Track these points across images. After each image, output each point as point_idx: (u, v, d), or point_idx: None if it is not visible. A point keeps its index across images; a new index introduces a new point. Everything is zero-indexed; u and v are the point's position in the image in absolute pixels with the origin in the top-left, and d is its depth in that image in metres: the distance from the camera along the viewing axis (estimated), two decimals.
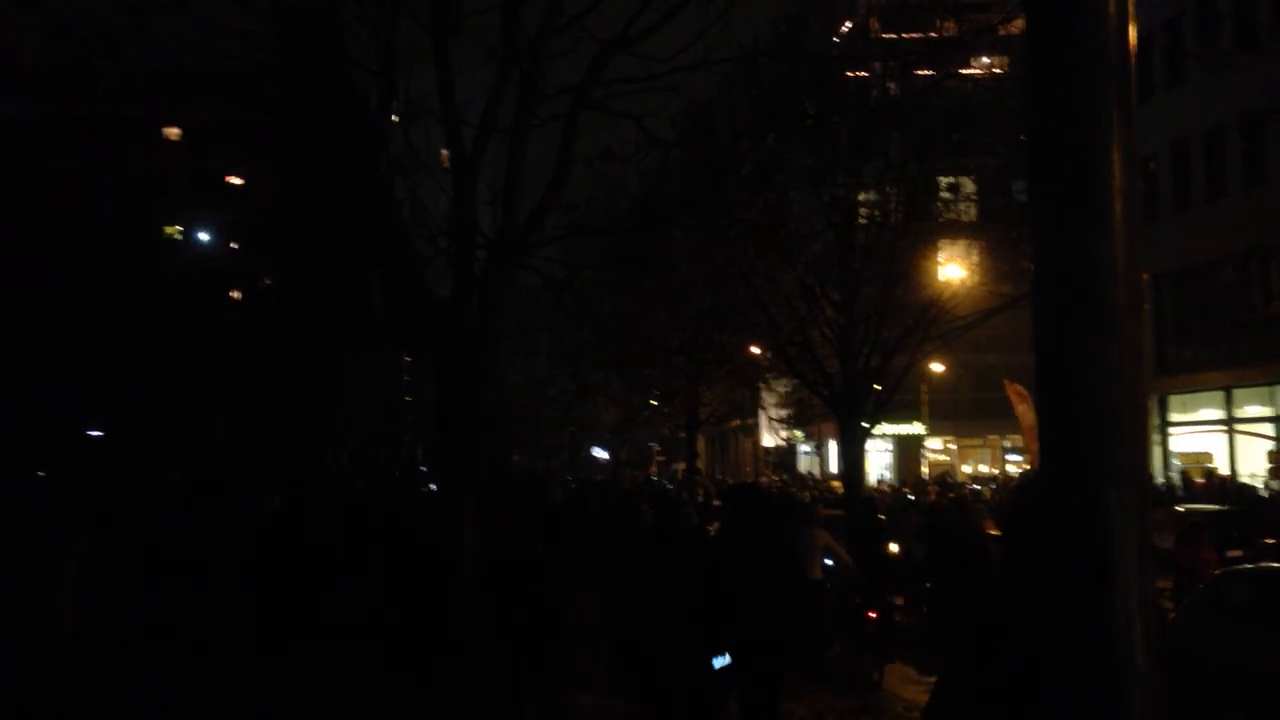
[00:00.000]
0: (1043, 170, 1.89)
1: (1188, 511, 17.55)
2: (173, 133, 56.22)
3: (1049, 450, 1.90)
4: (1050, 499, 1.88)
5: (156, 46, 10.02)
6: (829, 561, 12.99)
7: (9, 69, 48.25)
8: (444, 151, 10.86)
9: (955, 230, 21.30)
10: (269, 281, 52.78)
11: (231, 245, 55.42)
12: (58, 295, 49.06)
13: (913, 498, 26.79)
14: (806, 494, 27.48)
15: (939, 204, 20.51)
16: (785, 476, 42.12)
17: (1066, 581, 1.82)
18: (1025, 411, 28.80)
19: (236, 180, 53.38)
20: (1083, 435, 1.82)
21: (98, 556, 10.97)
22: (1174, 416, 30.67)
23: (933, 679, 11.31)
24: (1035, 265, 1.90)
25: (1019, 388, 29.05)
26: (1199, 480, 26.24)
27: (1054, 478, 1.87)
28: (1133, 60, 1.88)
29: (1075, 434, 1.83)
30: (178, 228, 56.84)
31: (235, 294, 55.38)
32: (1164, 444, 30.23)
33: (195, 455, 31.22)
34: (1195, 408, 30.27)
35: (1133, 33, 1.87)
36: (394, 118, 11.00)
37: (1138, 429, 1.84)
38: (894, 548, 16.19)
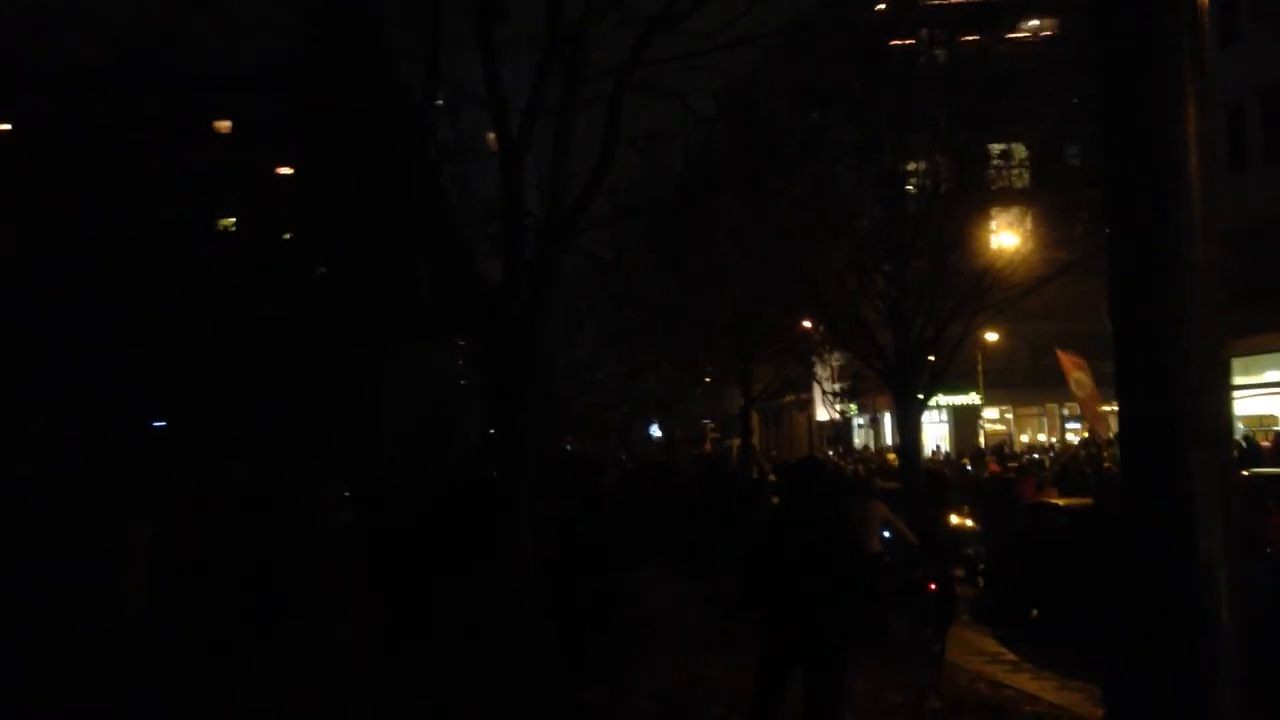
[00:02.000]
0: (1115, 123, 1.82)
1: (1252, 475, 17.24)
2: (223, 126, 56.88)
3: (1127, 412, 1.84)
4: (1130, 461, 1.83)
5: (197, 44, 10.13)
6: (887, 534, 12.93)
7: (50, 70, 49.20)
8: (490, 135, 10.87)
9: (1008, 197, 20.99)
10: (324, 269, 53.15)
11: (280, 237, 55.88)
12: (115, 291, 49.85)
13: (970, 468, 26.60)
14: (859, 467, 27.32)
15: (990, 171, 20.21)
16: (837, 450, 41.92)
17: (1149, 542, 1.77)
18: (1081, 379, 28.38)
19: (285, 170, 53.90)
20: (1161, 396, 1.77)
21: (164, 548, 11.15)
22: (1237, 379, 30.10)
23: (996, 649, 11.22)
24: (1108, 223, 1.84)
25: (1073, 356, 28.63)
26: (1265, 443, 25.77)
27: (1133, 440, 1.82)
28: (1206, 9, 1.80)
29: (1154, 395, 1.78)
30: (231, 219, 57.53)
31: (284, 287, 55.86)
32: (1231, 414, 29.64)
33: (253, 449, 31.68)
34: (1259, 370, 29.73)
35: None
36: (439, 103, 11.03)
37: (1218, 388, 1.78)
38: (954, 519, 16.09)
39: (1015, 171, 20.44)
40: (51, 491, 18.01)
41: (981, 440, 43.59)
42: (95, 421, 44.37)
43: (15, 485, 20.19)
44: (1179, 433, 1.77)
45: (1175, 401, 1.77)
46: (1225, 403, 1.86)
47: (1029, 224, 19.92)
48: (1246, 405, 30.09)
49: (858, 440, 51.62)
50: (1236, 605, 1.80)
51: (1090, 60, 1.93)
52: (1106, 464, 21.50)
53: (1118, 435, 2.07)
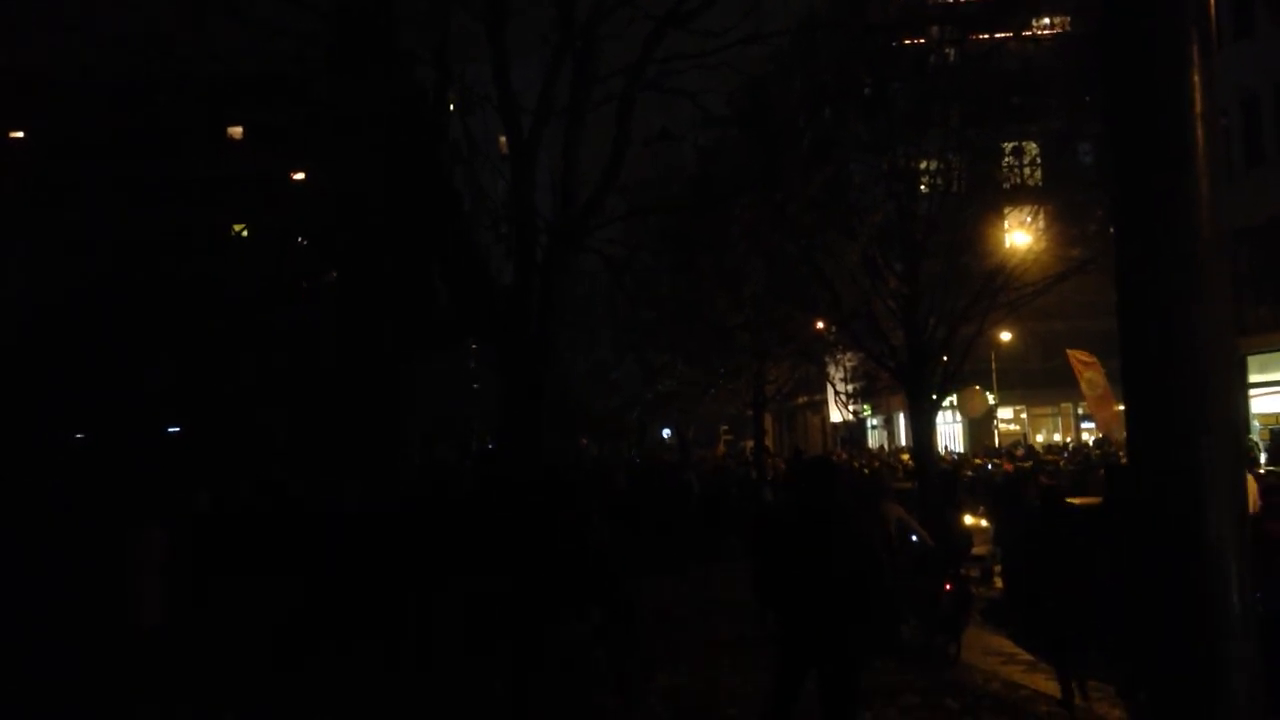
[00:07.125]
0: (1121, 112, 1.81)
1: (1268, 474, 17.16)
2: (235, 132, 57.14)
3: (1137, 401, 1.83)
4: (1140, 450, 1.81)
5: (212, 52, 10.18)
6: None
7: (76, 88, 49.56)
8: (502, 139, 10.90)
9: (1020, 196, 20.90)
10: (335, 274, 53.25)
11: (290, 244, 55.96)
12: (132, 301, 50.06)
13: (990, 467, 26.53)
14: (874, 463, 27.24)
15: (1002, 169, 20.13)
16: (850, 451, 41.82)
17: (1159, 530, 1.76)
18: (1094, 379, 28.28)
19: (297, 177, 54.04)
20: (1171, 383, 1.75)
21: (178, 553, 11.20)
22: (1253, 377, 29.92)
23: (1011, 649, 11.16)
24: (1116, 211, 1.83)
25: (1082, 354, 28.52)
26: None
27: (1143, 429, 1.80)
28: (1212, 3, 1.79)
29: (1163, 382, 1.77)
30: (242, 227, 57.74)
31: (296, 295, 55.93)
32: (1244, 406, 29.46)
33: (265, 457, 31.79)
34: (1275, 368, 29.54)
35: None
36: (451, 107, 11.05)
37: (1228, 375, 1.76)
38: (969, 519, 16.03)
39: (1027, 170, 20.35)
40: (68, 497, 18.11)
41: (996, 440, 43.47)
42: (111, 430, 44.55)
43: (36, 492, 20.32)
44: (1189, 420, 1.76)
45: (1186, 388, 1.76)
46: (1236, 390, 1.84)
47: (1042, 222, 19.81)
48: (1263, 404, 29.90)
49: (872, 441, 51.54)
50: (1249, 593, 1.79)
51: (1099, 54, 1.93)
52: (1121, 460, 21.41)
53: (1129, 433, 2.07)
